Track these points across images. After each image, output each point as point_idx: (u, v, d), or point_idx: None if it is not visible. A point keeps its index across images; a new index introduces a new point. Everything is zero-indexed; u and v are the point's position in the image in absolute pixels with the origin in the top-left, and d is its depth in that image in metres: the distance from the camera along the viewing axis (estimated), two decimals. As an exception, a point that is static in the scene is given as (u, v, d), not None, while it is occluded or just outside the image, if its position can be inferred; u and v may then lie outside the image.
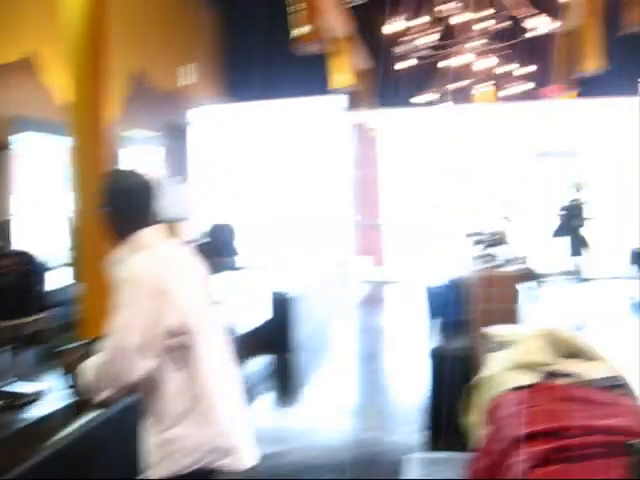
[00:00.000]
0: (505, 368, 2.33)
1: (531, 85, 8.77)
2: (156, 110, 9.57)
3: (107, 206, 2.01)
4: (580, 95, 10.66)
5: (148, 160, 9.66)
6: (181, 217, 9.95)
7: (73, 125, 4.44)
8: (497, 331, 2.87)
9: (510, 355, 2.39)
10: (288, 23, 7.86)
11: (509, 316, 3.83)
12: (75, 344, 2.73)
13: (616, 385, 2.13)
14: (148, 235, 1.99)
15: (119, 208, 1.99)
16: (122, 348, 1.84)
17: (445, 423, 4.47)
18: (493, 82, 8.84)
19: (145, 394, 1.96)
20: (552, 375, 2.17)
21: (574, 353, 2.31)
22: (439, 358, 4.55)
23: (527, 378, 2.20)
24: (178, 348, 1.92)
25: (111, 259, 2.02)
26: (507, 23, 6.15)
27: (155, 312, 1.85)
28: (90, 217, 4.53)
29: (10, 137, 6.14)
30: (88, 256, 4.55)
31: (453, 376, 4.57)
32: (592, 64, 8.50)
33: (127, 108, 8.65)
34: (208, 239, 8.33)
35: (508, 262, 4.93)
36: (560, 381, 2.14)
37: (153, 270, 1.90)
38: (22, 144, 6.42)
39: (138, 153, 9.15)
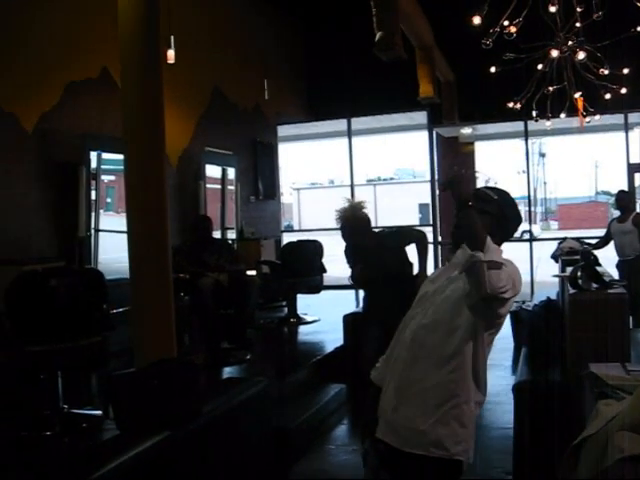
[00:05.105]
0: (615, 426, 1.82)
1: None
2: (235, 127, 9.47)
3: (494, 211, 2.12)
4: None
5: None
6: (268, 235, 9.78)
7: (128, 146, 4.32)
8: (604, 371, 2.34)
9: (623, 408, 1.87)
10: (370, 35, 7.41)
11: (618, 349, 3.22)
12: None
13: None
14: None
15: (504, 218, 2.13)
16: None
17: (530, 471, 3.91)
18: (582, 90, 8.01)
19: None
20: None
21: None
22: (525, 393, 4.00)
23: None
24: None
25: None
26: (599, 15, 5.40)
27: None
28: (145, 235, 4.26)
29: (84, 154, 6.12)
30: (142, 276, 4.30)
31: (541, 416, 4.00)
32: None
33: (203, 124, 8.58)
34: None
35: (607, 285, 4.27)
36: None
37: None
38: (96, 161, 6.41)
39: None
